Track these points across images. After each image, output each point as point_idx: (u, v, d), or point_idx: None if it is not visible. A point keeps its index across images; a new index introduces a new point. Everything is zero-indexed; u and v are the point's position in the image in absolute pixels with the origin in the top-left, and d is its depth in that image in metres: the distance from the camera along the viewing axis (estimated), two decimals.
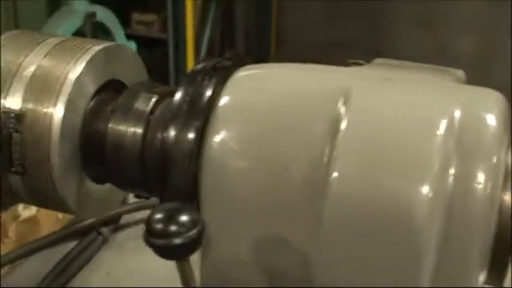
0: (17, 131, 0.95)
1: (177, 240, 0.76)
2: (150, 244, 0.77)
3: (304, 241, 0.84)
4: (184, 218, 0.77)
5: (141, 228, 1.65)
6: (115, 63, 1.02)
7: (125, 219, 1.71)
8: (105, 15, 4.22)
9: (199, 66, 0.94)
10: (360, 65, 0.99)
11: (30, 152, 0.95)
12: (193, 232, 0.77)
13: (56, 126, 0.93)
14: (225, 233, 0.88)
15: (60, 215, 3.87)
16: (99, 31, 4.24)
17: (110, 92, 1.03)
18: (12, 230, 3.47)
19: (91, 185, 1.03)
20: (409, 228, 0.78)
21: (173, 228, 0.76)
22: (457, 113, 0.81)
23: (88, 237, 1.61)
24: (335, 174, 0.81)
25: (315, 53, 6.21)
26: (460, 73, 0.96)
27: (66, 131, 0.94)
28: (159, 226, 0.77)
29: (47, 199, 0.98)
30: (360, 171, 0.81)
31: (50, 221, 3.78)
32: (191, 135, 0.89)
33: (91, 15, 4.07)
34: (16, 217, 3.51)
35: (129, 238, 1.68)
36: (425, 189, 0.78)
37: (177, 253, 0.78)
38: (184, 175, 0.88)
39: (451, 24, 5.75)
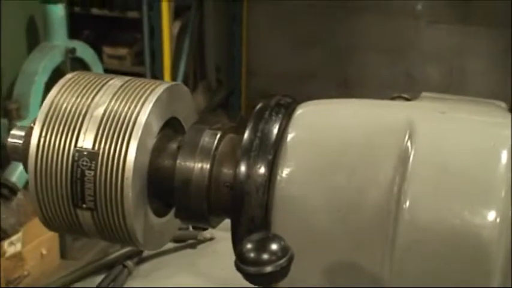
0: (90, 169, 0.99)
1: (269, 268, 0.82)
2: (243, 272, 0.83)
3: (375, 266, 0.90)
4: (274, 246, 0.83)
5: (163, 260, 1.71)
6: (174, 102, 1.08)
7: (146, 252, 1.75)
8: (84, 51, 4.25)
9: (264, 103, 1.00)
10: (405, 99, 1.07)
11: (102, 188, 0.99)
12: (284, 260, 0.82)
13: (129, 165, 0.98)
14: (297, 260, 0.94)
15: (44, 250, 3.87)
16: (78, 67, 4.26)
17: (169, 129, 1.08)
18: None
19: (154, 219, 1.08)
20: (479, 252, 0.85)
21: (265, 256, 0.82)
22: None
23: (114, 270, 1.64)
24: (407, 203, 0.88)
25: (285, 84, 6.33)
26: (503, 104, 1.04)
27: (137, 169, 0.99)
28: (251, 255, 0.82)
29: (115, 233, 1.03)
30: (430, 200, 0.88)
31: (35, 257, 3.79)
32: (263, 169, 0.95)
33: (71, 51, 4.10)
34: (2, 254, 3.51)
35: (153, 270, 1.73)
36: (492, 215, 0.85)
37: (268, 280, 0.83)
38: (257, 206, 0.94)
39: (417, 52, 5.92)
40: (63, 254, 4.03)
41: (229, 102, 6.29)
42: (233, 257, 1.75)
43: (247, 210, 0.95)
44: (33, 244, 3.84)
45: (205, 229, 1.09)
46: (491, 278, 0.85)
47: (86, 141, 1.00)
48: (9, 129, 3.63)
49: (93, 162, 0.99)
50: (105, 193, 0.99)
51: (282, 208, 0.94)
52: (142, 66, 5.03)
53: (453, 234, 0.86)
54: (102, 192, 1.00)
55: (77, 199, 1.01)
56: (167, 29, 4.77)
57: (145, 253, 1.75)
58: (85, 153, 1.00)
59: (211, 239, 1.82)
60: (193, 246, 1.81)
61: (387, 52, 6.05)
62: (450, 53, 5.86)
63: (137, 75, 1.16)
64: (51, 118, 1.03)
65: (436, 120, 0.94)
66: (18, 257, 3.72)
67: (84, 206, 1.01)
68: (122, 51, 5.41)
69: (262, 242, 0.83)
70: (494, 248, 0.85)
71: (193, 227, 1.08)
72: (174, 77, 4.99)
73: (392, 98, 1.08)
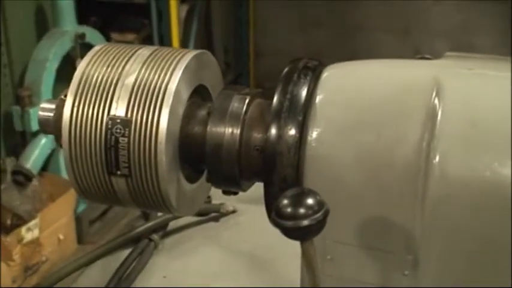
0: (123, 136, 1.02)
1: (305, 222, 0.84)
2: (280, 226, 0.85)
3: (407, 220, 0.93)
4: (310, 201, 0.85)
5: (187, 233, 1.73)
6: (202, 70, 1.10)
7: (170, 225, 1.78)
8: (93, 36, 4.26)
9: (291, 66, 1.03)
10: (428, 59, 1.08)
11: (136, 155, 1.02)
12: (320, 214, 0.85)
13: (162, 131, 1.00)
14: (330, 218, 0.96)
15: (61, 236, 3.90)
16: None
17: (197, 96, 1.10)
18: (16, 253, 3.50)
19: (185, 184, 1.10)
20: (509, 201, 0.87)
21: (301, 211, 0.84)
22: None
23: (140, 243, 1.67)
24: (437, 158, 0.90)
25: None
26: None
27: (170, 135, 1.02)
28: (288, 209, 0.84)
29: (150, 199, 1.05)
30: (459, 154, 0.90)
31: (52, 242, 3.82)
32: (294, 130, 0.97)
33: (80, 36, 4.11)
34: (20, 240, 3.55)
35: (177, 243, 1.75)
36: None
37: (304, 234, 0.85)
38: (289, 165, 0.97)
39: (426, 30, 5.91)
40: (80, 239, 4.06)
41: (238, 84, 6.31)
42: (256, 229, 1.79)
43: (279, 170, 0.97)
44: (50, 230, 3.87)
45: (236, 193, 1.10)
46: None
47: (119, 109, 1.03)
48: (22, 116, 3.65)
49: (127, 129, 1.02)
50: (139, 159, 1.02)
51: (313, 167, 0.97)
52: None
53: (483, 186, 0.88)
54: (136, 159, 1.02)
55: (112, 166, 1.04)
56: (175, 13, 4.78)
57: (170, 227, 1.78)
58: (118, 120, 1.02)
59: (233, 211, 1.84)
60: (216, 219, 1.83)
61: (394, 31, 6.03)
62: (458, 29, 5.84)
63: None
64: (83, 88, 1.06)
65: (463, 76, 0.96)
66: (35, 242, 3.75)
67: (118, 172, 1.04)
68: (130, 36, 5.41)
69: (298, 197, 0.85)
70: None
71: (224, 192, 1.10)
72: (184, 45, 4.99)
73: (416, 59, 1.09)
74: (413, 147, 0.91)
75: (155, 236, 1.70)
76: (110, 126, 1.03)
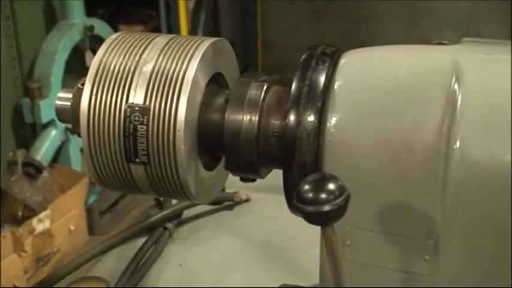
0: (142, 123, 1.02)
1: (327, 207, 0.84)
2: (301, 211, 0.85)
3: (427, 205, 0.93)
4: (331, 186, 0.85)
5: (201, 222, 1.74)
6: (219, 58, 1.10)
7: (184, 214, 1.79)
8: (102, 28, 4.26)
9: (309, 53, 1.03)
10: (445, 44, 1.08)
11: (155, 142, 1.02)
12: (341, 199, 0.85)
13: (180, 118, 1.01)
14: (350, 204, 0.96)
15: (72, 226, 3.91)
16: (97, 44, 4.28)
17: (214, 84, 1.11)
18: (28, 244, 3.52)
19: (203, 172, 1.10)
20: None
21: (322, 196, 0.84)
22: None
23: (156, 232, 1.68)
24: (457, 142, 0.90)
25: (301, 55, 6.32)
26: None
27: (188, 123, 1.02)
28: (310, 195, 0.85)
29: (168, 186, 1.06)
30: (480, 138, 0.90)
31: (63, 233, 3.83)
32: (313, 116, 0.97)
33: (89, 29, 4.11)
34: (31, 231, 3.57)
35: (192, 232, 1.76)
36: None
37: (326, 219, 0.86)
38: (308, 151, 0.97)
39: (433, 20, 5.89)
40: (91, 229, 4.08)
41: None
42: (270, 218, 1.79)
43: (298, 156, 0.97)
44: (61, 221, 3.89)
45: (254, 180, 1.11)
46: None
47: (137, 97, 1.03)
48: (32, 108, 3.66)
49: (145, 117, 1.02)
50: (158, 146, 1.02)
51: (332, 153, 0.97)
52: None
53: (504, 171, 0.88)
54: (155, 146, 1.02)
55: (130, 154, 1.04)
56: (183, 4, 4.78)
57: (185, 215, 1.79)
58: (137, 108, 1.02)
59: (247, 200, 1.85)
60: (230, 208, 1.84)
61: (403, 21, 6.02)
62: (466, 18, 5.82)
63: None
64: (100, 77, 1.06)
65: (482, 61, 0.96)
66: (47, 234, 3.77)
67: (137, 160, 1.04)
68: (137, 28, 5.42)
69: (319, 182, 0.85)
70: None
71: (242, 179, 1.11)
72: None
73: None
74: (433, 132, 0.91)
75: (170, 225, 1.70)
76: (128, 114, 1.03)
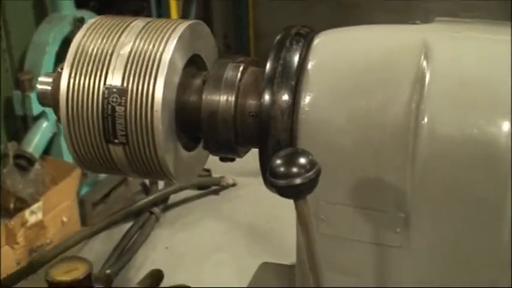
0: (120, 105, 1.04)
1: (298, 180, 0.86)
2: (274, 185, 0.87)
3: (398, 179, 0.95)
4: (302, 160, 0.87)
5: (188, 206, 1.76)
6: (196, 40, 1.12)
7: (171, 199, 1.81)
8: None
9: (283, 33, 1.05)
10: (417, 24, 1.10)
11: (133, 123, 1.04)
12: (312, 173, 0.87)
13: (158, 99, 1.03)
14: (323, 180, 0.98)
15: (65, 218, 3.93)
16: None
17: (192, 66, 1.13)
18: (20, 236, 3.53)
19: (183, 152, 1.12)
20: (496, 158, 0.90)
21: (294, 170, 0.86)
22: None
23: (142, 217, 1.70)
24: (425, 118, 0.92)
25: None
26: (509, 24, 1.07)
27: (165, 103, 1.04)
28: (282, 169, 0.87)
29: (147, 167, 1.08)
30: (448, 114, 0.92)
31: (56, 225, 3.84)
32: (287, 95, 0.99)
33: (79, 20, 4.11)
34: (24, 223, 3.57)
35: (178, 216, 1.79)
36: (508, 124, 0.90)
37: (297, 192, 0.88)
38: (283, 130, 0.99)
39: (424, 10, 5.88)
40: (83, 221, 4.07)
41: None
42: (255, 202, 1.81)
43: (273, 134, 0.99)
44: (54, 212, 3.88)
45: (233, 160, 1.13)
46: (508, 182, 0.90)
47: (115, 79, 1.05)
48: (23, 101, 3.66)
49: (123, 98, 1.04)
50: (136, 127, 1.04)
51: (307, 131, 0.99)
52: None
53: (471, 144, 0.91)
54: (133, 127, 1.04)
55: (109, 134, 1.06)
56: None
57: (171, 200, 1.81)
58: (114, 90, 1.04)
59: (233, 184, 1.87)
60: (216, 192, 1.86)
61: (394, 11, 6.01)
62: (457, 9, 5.82)
63: None
64: (79, 60, 1.08)
65: (451, 39, 0.98)
66: (39, 225, 3.77)
67: (116, 141, 1.06)
68: None
69: (291, 156, 0.87)
70: (510, 154, 0.89)
71: (221, 159, 1.13)
72: None
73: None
74: (403, 108, 0.94)
75: (156, 209, 1.73)
76: (106, 95, 1.05)
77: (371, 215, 0.98)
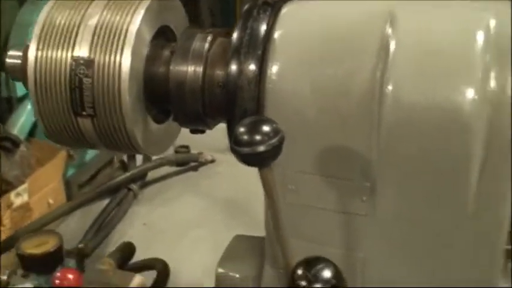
0: (87, 76, 1.04)
1: (261, 148, 0.86)
2: (238, 153, 0.87)
3: (363, 148, 0.95)
4: (266, 128, 0.87)
5: (167, 183, 1.76)
6: (165, 11, 1.12)
7: (150, 176, 1.81)
8: None
9: (251, 4, 1.04)
10: None
11: (100, 95, 1.04)
12: (275, 140, 0.87)
13: (125, 70, 1.02)
14: (291, 149, 0.98)
15: (51, 200, 3.92)
16: None
17: (162, 38, 1.12)
18: (6, 218, 3.52)
19: (153, 124, 1.12)
20: (459, 125, 0.90)
21: (257, 137, 0.86)
22: (492, 22, 0.92)
23: (119, 193, 1.70)
24: (390, 86, 0.92)
25: None
26: None
27: (133, 75, 1.04)
28: (245, 137, 0.87)
29: (116, 139, 1.07)
30: (412, 81, 0.92)
31: (42, 206, 3.83)
32: (253, 64, 0.99)
33: None
34: (9, 205, 3.56)
35: (157, 192, 1.79)
36: (470, 91, 0.90)
37: (261, 159, 0.88)
38: (250, 99, 0.99)
39: None
40: None
41: None
42: (234, 178, 1.81)
43: (240, 104, 0.99)
44: (40, 194, 3.87)
45: (203, 131, 1.13)
46: (472, 149, 0.90)
47: (82, 50, 1.04)
48: (7, 82, 3.64)
49: (90, 69, 1.04)
50: (104, 99, 1.04)
51: (274, 100, 0.99)
52: None
53: (435, 111, 0.91)
54: (101, 98, 1.04)
55: (77, 106, 1.06)
56: None
57: (149, 177, 1.81)
58: (81, 61, 1.04)
59: (212, 161, 1.87)
60: (195, 168, 1.86)
61: None
62: None
63: None
64: (46, 32, 1.07)
65: (416, 6, 0.98)
66: (25, 207, 3.76)
67: (84, 113, 1.06)
68: None
69: (254, 124, 0.87)
70: (474, 121, 0.89)
71: (192, 131, 1.13)
72: None
73: None
74: (368, 76, 0.93)
75: (134, 186, 1.72)
76: (73, 67, 1.04)
77: (338, 184, 0.98)
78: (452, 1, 1.00)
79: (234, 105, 1.00)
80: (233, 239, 1.26)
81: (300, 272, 0.82)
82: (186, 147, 1.83)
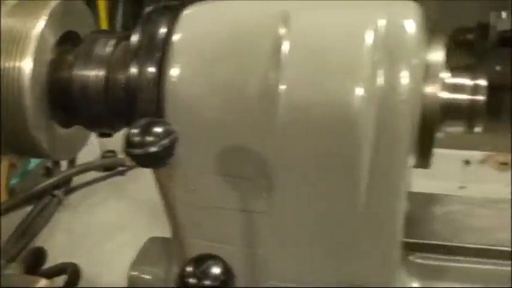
0: None
1: (153, 149, 0.88)
2: (130, 154, 0.88)
3: (261, 147, 0.97)
4: (158, 129, 0.89)
5: (93, 188, 1.76)
6: (71, 16, 1.13)
7: (75, 181, 1.81)
8: None
9: (152, 7, 1.06)
10: None
11: (4, 101, 1.04)
12: (167, 141, 0.88)
13: (26, 77, 1.03)
14: (191, 150, 1.00)
15: None
16: None
17: (68, 43, 1.13)
18: None
19: (59, 130, 1.13)
20: (348, 122, 0.93)
21: (149, 138, 0.88)
22: (382, 22, 0.95)
23: (43, 200, 1.69)
24: (283, 85, 0.94)
25: None
26: None
27: (35, 80, 1.04)
28: (137, 138, 0.88)
29: (22, 145, 1.08)
30: (303, 81, 0.95)
31: None
32: (152, 66, 1.00)
33: None
34: None
35: (83, 198, 1.78)
36: (359, 89, 0.93)
37: (153, 161, 0.89)
38: (149, 101, 1.00)
39: None
40: None
41: None
42: None
43: (140, 106, 1.01)
44: None
45: (110, 135, 1.14)
46: (362, 146, 0.93)
47: None
48: None
49: None
50: (7, 105, 1.04)
51: (174, 102, 1.00)
52: None
53: (326, 109, 0.93)
54: (4, 104, 1.04)
55: None
56: None
57: (75, 182, 1.80)
58: None
59: None
60: (122, 173, 1.86)
61: None
62: None
63: None
64: None
65: (310, 6, 1.00)
66: None
67: None
68: None
69: (147, 126, 0.89)
70: (362, 116, 0.92)
71: (100, 134, 1.14)
72: (112, 25, 4.93)
73: None
74: (262, 76, 0.96)
75: (58, 192, 1.72)
76: None
77: (237, 183, 1.00)
78: (345, 1, 1.03)
79: (134, 107, 1.01)
80: (147, 241, 1.27)
81: (188, 269, 0.83)
82: (113, 151, 1.83)
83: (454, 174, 1.79)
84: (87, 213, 1.71)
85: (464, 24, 4.68)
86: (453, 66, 1.02)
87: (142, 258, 1.23)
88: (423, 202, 1.22)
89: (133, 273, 1.21)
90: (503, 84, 4.41)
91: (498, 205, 1.22)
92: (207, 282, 0.83)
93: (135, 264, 1.22)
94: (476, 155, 1.86)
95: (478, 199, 1.24)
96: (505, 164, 1.83)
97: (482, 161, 1.85)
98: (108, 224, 1.67)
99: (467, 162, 1.84)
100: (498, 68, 4.33)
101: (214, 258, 0.85)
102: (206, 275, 0.83)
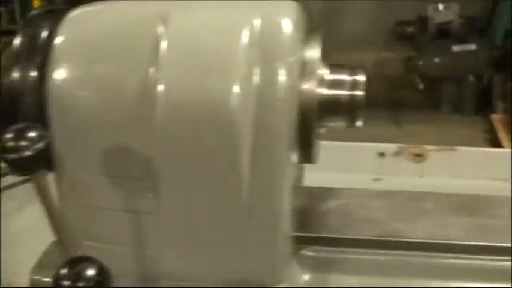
0: None
1: (27, 152, 0.87)
2: (5, 160, 0.88)
3: (143, 147, 0.98)
4: (32, 134, 0.89)
5: (11, 192, 1.73)
6: None
7: None
8: None
9: (36, 11, 1.05)
10: None
11: None
12: (41, 144, 0.88)
13: None
14: (75, 152, 1.01)
15: None
16: None
17: None
18: None
19: None
20: (226, 120, 0.94)
21: (23, 143, 0.88)
22: (257, 22, 0.97)
23: None
24: (161, 85, 0.95)
25: None
26: None
27: None
28: (11, 143, 0.88)
29: None
30: (181, 80, 0.96)
31: None
32: (34, 70, 1.00)
33: None
34: None
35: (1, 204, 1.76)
36: (235, 87, 0.94)
37: (29, 165, 0.89)
38: (32, 104, 1.00)
39: None
40: None
41: None
42: None
43: (24, 110, 1.01)
44: None
45: None
46: (240, 143, 0.94)
47: None
48: None
49: None
50: None
51: (58, 105, 1.00)
52: None
53: (204, 108, 0.95)
54: None
55: None
56: None
57: None
58: None
59: None
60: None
61: None
62: None
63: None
64: None
65: (189, 6, 1.01)
66: None
67: None
68: None
69: (21, 131, 0.88)
70: (239, 115, 0.93)
71: None
72: None
73: None
74: (141, 76, 0.96)
75: None
76: None
77: (123, 184, 1.01)
78: (224, 1, 1.04)
79: (18, 112, 1.01)
80: (49, 244, 1.27)
81: (62, 272, 0.83)
82: None
83: (369, 167, 1.82)
84: (3, 217, 1.69)
85: (405, 18, 4.70)
86: (332, 63, 1.04)
87: (44, 262, 1.22)
88: (318, 196, 1.24)
89: (35, 276, 1.20)
90: (441, 76, 4.48)
91: (392, 197, 1.25)
92: (80, 284, 0.83)
93: (37, 267, 1.21)
94: (390, 147, 1.89)
95: (372, 191, 1.26)
96: (420, 155, 1.86)
97: (397, 153, 1.88)
98: (25, 227, 1.66)
99: (381, 154, 1.87)
100: (437, 60, 4.41)
101: (89, 260, 0.85)
102: (80, 276, 0.83)
